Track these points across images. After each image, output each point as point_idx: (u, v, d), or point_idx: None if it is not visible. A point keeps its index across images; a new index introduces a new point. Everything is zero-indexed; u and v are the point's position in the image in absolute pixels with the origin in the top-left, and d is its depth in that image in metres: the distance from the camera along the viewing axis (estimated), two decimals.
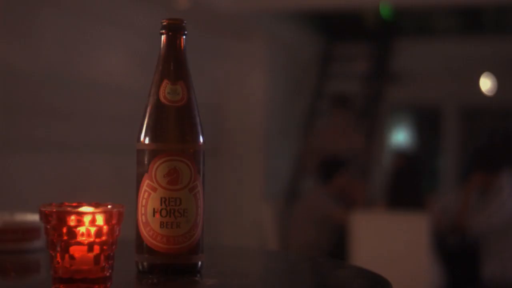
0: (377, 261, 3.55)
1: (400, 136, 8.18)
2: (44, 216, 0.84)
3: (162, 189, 0.93)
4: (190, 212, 0.94)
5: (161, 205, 0.93)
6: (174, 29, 0.99)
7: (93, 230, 0.83)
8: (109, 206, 0.86)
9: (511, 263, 3.88)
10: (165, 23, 0.99)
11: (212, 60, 5.34)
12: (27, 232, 1.15)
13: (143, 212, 0.94)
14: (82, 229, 0.83)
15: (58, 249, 0.83)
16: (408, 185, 4.38)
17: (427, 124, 8.23)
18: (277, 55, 6.10)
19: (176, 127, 0.96)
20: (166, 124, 0.96)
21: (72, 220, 0.82)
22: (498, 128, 7.93)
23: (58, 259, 0.83)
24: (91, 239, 0.83)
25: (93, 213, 0.83)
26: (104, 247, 0.84)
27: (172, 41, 0.99)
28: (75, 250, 0.83)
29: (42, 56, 3.80)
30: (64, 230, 0.83)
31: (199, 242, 0.95)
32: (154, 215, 0.93)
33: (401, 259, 3.62)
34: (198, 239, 0.95)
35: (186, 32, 1.01)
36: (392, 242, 3.68)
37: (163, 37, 0.99)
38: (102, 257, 0.84)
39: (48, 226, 0.84)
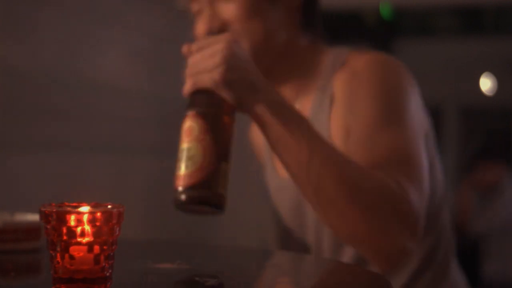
0: None
1: None
2: (44, 216, 0.84)
3: (181, 142, 1.10)
4: (196, 157, 1.06)
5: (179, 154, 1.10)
6: None
7: (93, 230, 0.83)
8: (109, 206, 0.86)
9: (511, 263, 3.88)
10: None
11: None
12: (27, 232, 1.15)
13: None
14: (82, 229, 0.83)
15: (58, 249, 0.83)
16: None
17: None
18: None
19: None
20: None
21: (72, 220, 0.82)
22: (498, 128, 7.93)
23: (58, 259, 0.83)
24: (91, 239, 0.83)
25: (93, 213, 0.83)
26: (104, 247, 0.84)
27: None
28: (75, 250, 0.83)
29: (42, 56, 3.81)
30: (64, 230, 0.83)
31: (208, 179, 1.05)
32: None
33: None
34: (205, 176, 1.05)
35: None
36: None
37: None
38: (102, 257, 0.84)
39: (48, 226, 0.84)
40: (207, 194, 1.06)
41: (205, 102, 1.08)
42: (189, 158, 1.07)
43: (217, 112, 1.08)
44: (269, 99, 1.06)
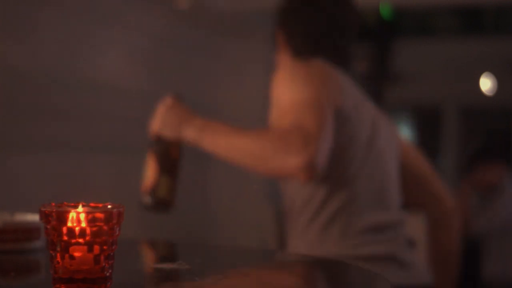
0: None
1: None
2: (44, 216, 0.84)
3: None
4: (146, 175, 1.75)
5: None
6: None
7: (93, 230, 0.83)
8: (109, 206, 0.86)
9: (511, 263, 3.87)
10: None
11: (211, 60, 5.34)
12: (27, 232, 1.15)
13: None
14: (82, 229, 0.83)
15: (58, 249, 0.83)
16: None
17: (427, 124, 8.23)
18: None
19: None
20: None
21: (72, 220, 0.82)
22: (498, 128, 7.93)
23: (58, 259, 0.83)
24: (91, 239, 0.83)
25: (93, 213, 0.83)
26: (104, 247, 0.84)
27: None
28: (75, 250, 0.83)
29: (42, 56, 3.80)
30: (64, 230, 0.83)
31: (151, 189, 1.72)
32: None
33: None
34: (148, 187, 1.73)
35: None
36: None
37: None
38: (102, 257, 0.84)
39: (48, 226, 0.84)
40: (150, 200, 1.72)
41: (153, 141, 1.74)
42: (144, 176, 1.75)
43: (158, 146, 1.73)
44: (190, 127, 1.68)
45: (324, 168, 1.56)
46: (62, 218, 0.82)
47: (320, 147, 1.52)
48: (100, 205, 0.87)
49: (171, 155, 1.73)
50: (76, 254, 0.83)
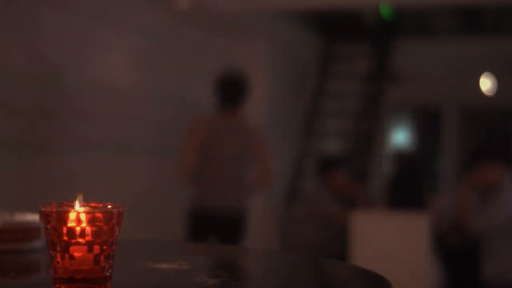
0: (377, 261, 3.55)
1: (400, 136, 8.18)
2: (44, 216, 0.84)
3: None
4: None
5: None
6: None
7: (93, 230, 0.83)
8: (109, 206, 0.86)
9: (511, 263, 3.87)
10: None
11: (211, 59, 5.34)
12: (27, 232, 1.15)
13: None
14: (82, 229, 0.83)
15: (58, 249, 0.83)
16: (409, 185, 4.38)
17: (427, 124, 8.23)
18: (277, 55, 6.09)
19: None
20: None
21: (72, 220, 0.82)
22: (498, 128, 7.93)
23: (58, 259, 0.83)
24: (91, 239, 0.83)
25: (93, 213, 0.83)
26: (104, 247, 0.84)
27: None
28: (75, 250, 0.83)
29: (42, 56, 3.80)
30: (64, 230, 0.83)
31: None
32: None
33: (401, 259, 3.62)
34: None
35: None
36: (392, 242, 3.68)
37: None
38: (102, 257, 0.84)
39: (48, 226, 0.84)
40: None
41: None
42: None
43: None
44: None
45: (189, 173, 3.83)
46: (62, 218, 0.83)
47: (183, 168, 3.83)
48: (100, 205, 0.87)
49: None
50: (76, 254, 0.83)
